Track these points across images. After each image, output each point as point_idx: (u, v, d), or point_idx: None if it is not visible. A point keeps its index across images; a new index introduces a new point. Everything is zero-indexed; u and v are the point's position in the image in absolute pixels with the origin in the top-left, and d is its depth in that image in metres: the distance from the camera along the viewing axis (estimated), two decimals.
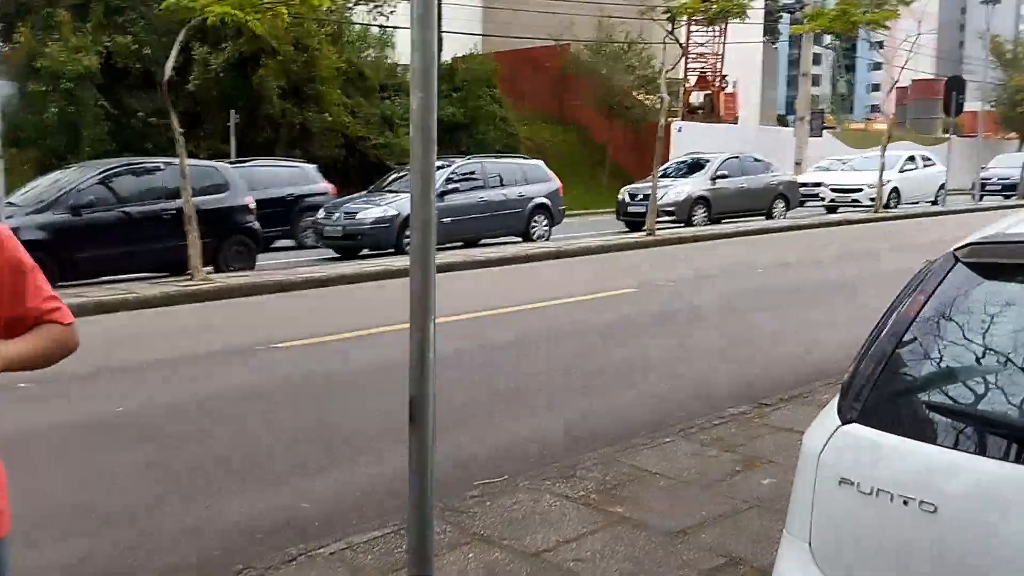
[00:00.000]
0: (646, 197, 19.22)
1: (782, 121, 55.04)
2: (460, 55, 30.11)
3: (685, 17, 19.74)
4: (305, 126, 24.62)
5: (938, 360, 2.11)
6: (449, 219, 15.67)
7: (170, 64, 12.39)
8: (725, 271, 13.33)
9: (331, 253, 16.46)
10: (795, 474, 2.27)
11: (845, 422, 2.13)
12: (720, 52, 38.00)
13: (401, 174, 18.48)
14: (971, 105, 35.81)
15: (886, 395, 2.12)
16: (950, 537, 1.89)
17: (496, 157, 19.70)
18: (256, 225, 14.06)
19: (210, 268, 12.66)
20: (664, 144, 20.01)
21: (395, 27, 31.74)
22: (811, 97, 35.79)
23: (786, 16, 59.21)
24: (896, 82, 26.59)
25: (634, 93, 33.00)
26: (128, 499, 4.87)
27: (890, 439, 2.04)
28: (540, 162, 19.11)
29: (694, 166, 22.21)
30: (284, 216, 17.29)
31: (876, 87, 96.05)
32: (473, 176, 17.19)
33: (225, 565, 4.00)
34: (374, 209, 16.10)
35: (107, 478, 5.19)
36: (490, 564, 3.78)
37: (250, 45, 21.38)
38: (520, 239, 17.49)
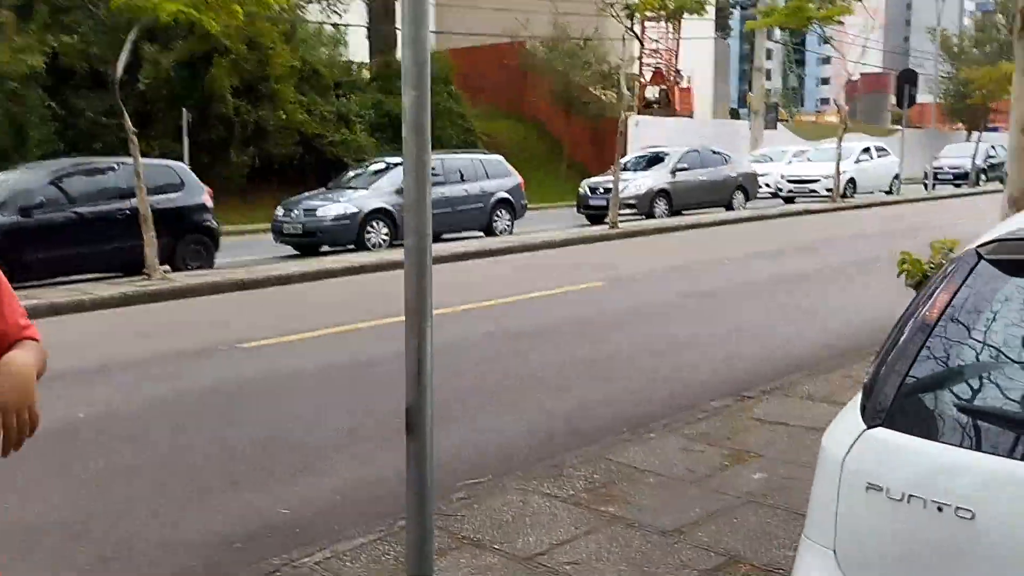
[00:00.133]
0: (607, 190, 19.21)
1: (735, 114, 55.49)
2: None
3: (641, 13, 19.71)
4: (260, 124, 24.21)
5: (968, 361, 2.02)
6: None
7: (121, 63, 12.05)
8: (692, 263, 13.31)
9: (289, 251, 16.17)
10: (816, 478, 2.17)
11: (871, 426, 2.03)
12: (674, 47, 38.15)
13: (359, 171, 18.25)
14: (920, 97, 36.36)
15: (914, 397, 2.02)
16: (989, 545, 1.80)
17: (457, 153, 19.56)
18: (214, 223, 13.76)
19: (167, 267, 12.36)
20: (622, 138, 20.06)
21: (347, 24, 31.40)
22: (764, 91, 36.08)
23: (736, 11, 59.84)
24: (851, 76, 26.84)
25: (591, 89, 32.99)
26: (95, 509, 4.65)
27: (920, 443, 1.94)
28: (500, 157, 18.99)
29: (653, 160, 22.24)
30: None
31: (826, 81, 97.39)
32: (434, 172, 16.94)
33: None
34: (334, 206, 15.85)
35: (72, 488, 4.95)
36: (484, 570, 3.64)
37: (202, 44, 20.94)
38: (483, 234, 17.35)
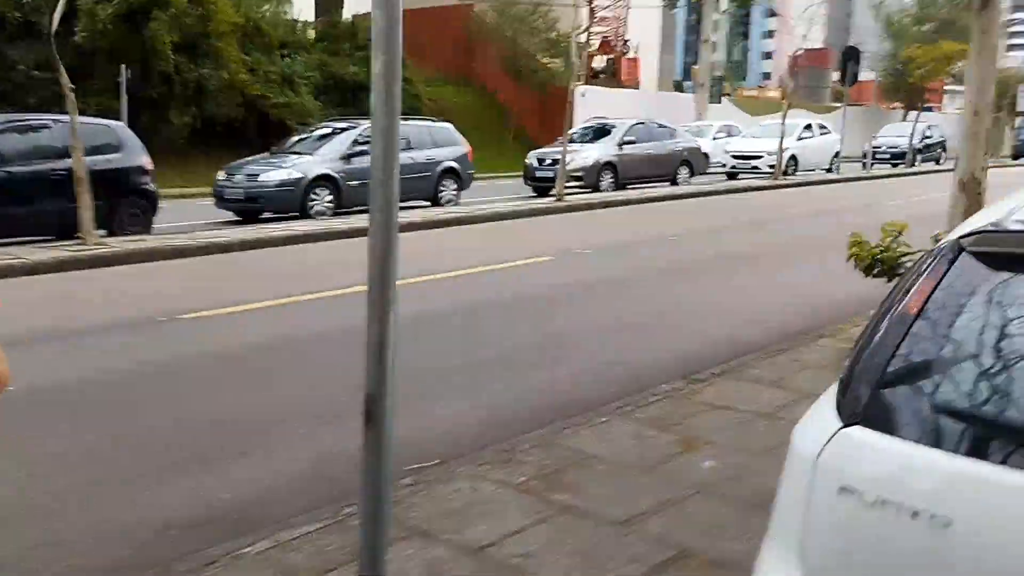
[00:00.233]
0: (554, 162, 19.12)
1: (679, 87, 55.67)
2: (363, 13, 29.24)
3: None
4: (201, 83, 23.54)
5: (949, 358, 1.95)
6: (356, 182, 15.24)
7: (57, 14, 11.55)
8: (640, 238, 13.33)
9: (230, 216, 15.80)
10: (783, 477, 2.11)
11: (847, 424, 1.96)
12: (623, 16, 38.05)
13: (304, 135, 17.87)
14: (862, 75, 36.82)
15: (893, 395, 1.96)
16: (965, 553, 1.75)
17: (404, 119, 19.18)
18: (153, 187, 13.36)
19: (103, 232, 11.97)
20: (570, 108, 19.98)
21: None
22: (711, 64, 36.16)
23: None
24: (802, 50, 27.04)
25: (539, 56, 32.75)
26: (23, 492, 4.45)
27: (898, 444, 1.88)
28: (449, 125, 18.74)
29: (600, 131, 22.17)
30: None
31: (769, 55, 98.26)
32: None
33: (137, 568, 3.68)
34: (277, 171, 15.51)
35: None
36: (432, 562, 3.55)
37: None
38: (429, 203, 17.15)
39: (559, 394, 5.94)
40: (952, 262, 2.04)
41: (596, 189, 20.47)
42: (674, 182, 22.51)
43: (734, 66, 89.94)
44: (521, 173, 21.55)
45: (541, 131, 29.28)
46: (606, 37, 38.60)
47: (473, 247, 12.65)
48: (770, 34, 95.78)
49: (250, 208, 15.42)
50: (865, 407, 1.96)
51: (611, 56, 38.66)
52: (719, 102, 37.90)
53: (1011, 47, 62.50)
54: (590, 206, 17.77)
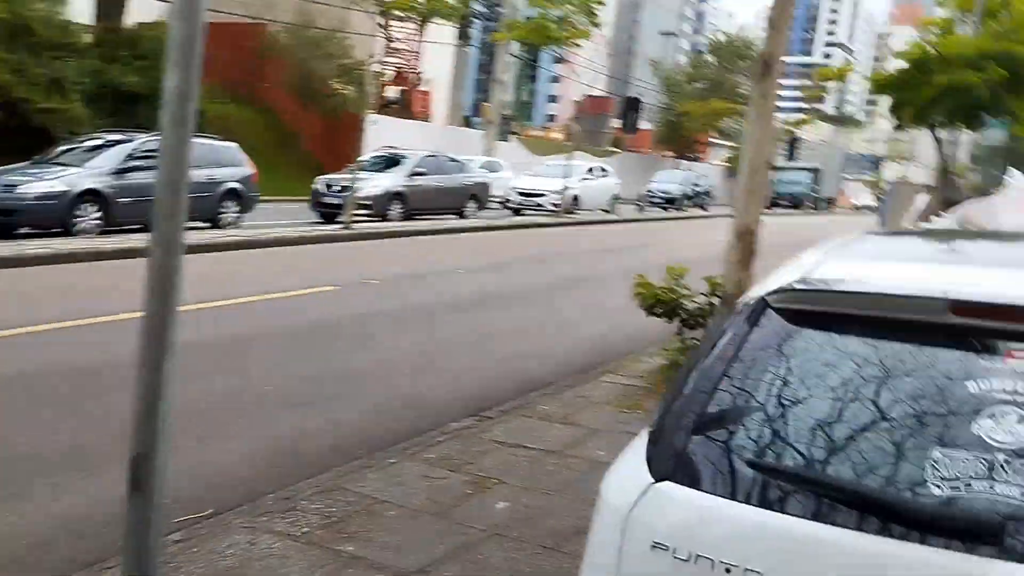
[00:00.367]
0: (343, 188, 18.75)
1: (467, 123, 56.59)
2: (148, 21, 27.61)
3: (393, 12, 19.48)
4: None
5: (756, 414, 1.94)
6: (129, 200, 14.24)
7: None
8: (427, 271, 13.21)
9: None
10: (593, 531, 2.04)
11: (659, 479, 1.93)
12: (417, 49, 38.25)
13: (72, 145, 16.50)
14: (640, 124, 38.87)
15: (703, 451, 1.94)
16: None
17: None
18: None
19: None
20: (363, 136, 19.73)
21: None
22: (501, 103, 36.95)
23: (479, 22, 61.05)
24: (586, 96, 28.14)
25: (331, 82, 32.21)
26: None
27: (710, 500, 1.86)
28: (234, 145, 17.90)
29: (391, 161, 22.00)
30: None
31: (554, 98, 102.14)
32: (157, 154, 15.67)
33: None
34: (39, 183, 14.17)
35: None
36: None
37: None
38: (208, 225, 16.27)
39: (344, 435, 5.67)
40: (758, 318, 2.05)
41: (384, 218, 20.24)
42: (462, 215, 22.69)
43: (521, 106, 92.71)
44: (308, 198, 20.96)
45: (329, 157, 28.71)
46: (400, 68, 38.58)
47: (254, 273, 12.06)
48: (556, 79, 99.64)
49: (4, 222, 14.00)
50: (676, 462, 1.93)
51: (404, 87, 38.66)
52: (507, 140, 38.80)
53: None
54: (378, 235, 17.52)
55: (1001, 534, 1.62)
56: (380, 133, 28.86)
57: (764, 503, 1.80)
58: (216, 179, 16.48)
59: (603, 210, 29.33)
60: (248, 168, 17.52)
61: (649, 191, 35.94)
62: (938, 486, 1.68)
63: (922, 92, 22.87)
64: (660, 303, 7.16)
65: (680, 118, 43.46)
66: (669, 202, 35.78)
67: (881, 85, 27.35)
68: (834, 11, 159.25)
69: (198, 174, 15.71)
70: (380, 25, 18.47)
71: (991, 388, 1.76)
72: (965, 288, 1.94)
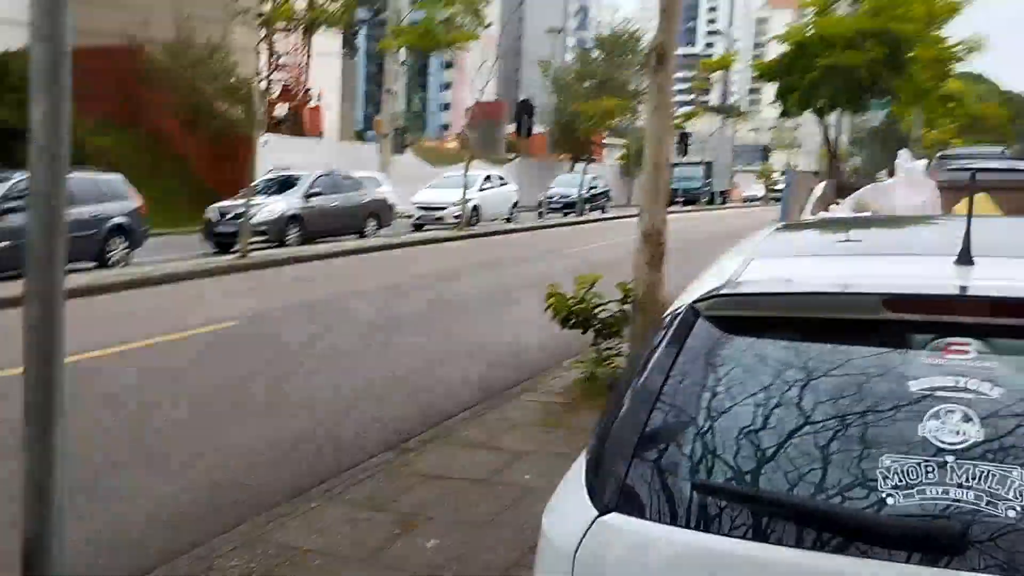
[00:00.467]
0: (237, 216, 18.18)
1: (360, 137, 55.93)
2: (13, 50, 26.31)
3: (276, 24, 18.97)
4: None
5: (700, 432, 1.82)
6: (7, 243, 13.48)
7: None
8: (331, 296, 12.89)
9: None
10: (537, 569, 1.90)
11: (603, 511, 1.79)
12: (304, 64, 37.56)
13: None
14: (534, 128, 38.99)
15: (648, 476, 1.80)
16: None
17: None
18: None
19: None
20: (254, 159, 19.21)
21: None
22: (393, 114, 36.58)
23: (363, 30, 60.49)
24: (475, 102, 28.03)
25: (217, 103, 31.29)
26: None
27: (659, 530, 1.73)
28: (119, 176, 17.16)
29: (285, 183, 21.49)
30: None
31: (447, 107, 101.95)
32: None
33: None
34: None
35: None
36: None
37: None
38: (95, 265, 15.55)
39: (257, 479, 5.40)
40: (689, 328, 1.94)
41: (283, 244, 19.73)
42: (362, 234, 22.32)
43: (414, 117, 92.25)
44: (201, 228, 20.27)
45: (221, 182, 27.87)
46: (287, 85, 37.80)
47: (146, 314, 11.52)
48: (447, 86, 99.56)
49: None
50: (620, 492, 1.80)
51: (293, 104, 37.89)
52: (403, 152, 38.42)
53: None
54: (277, 262, 17.05)
55: (960, 543, 1.55)
56: (272, 153, 28.26)
57: (719, 529, 1.69)
58: (100, 215, 15.78)
59: (505, 219, 29.25)
60: (135, 200, 16.83)
61: (548, 197, 36.05)
62: (891, 495, 1.60)
63: (806, 76, 23.46)
64: (573, 314, 7.09)
65: (573, 119, 43.80)
66: (569, 207, 35.88)
67: (765, 72, 27.99)
68: None
69: (80, 211, 15.02)
70: (264, 39, 17.90)
71: (933, 386, 1.69)
72: (895, 281, 1.89)
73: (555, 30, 60.22)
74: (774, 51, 30.61)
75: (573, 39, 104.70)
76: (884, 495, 1.60)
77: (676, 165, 45.63)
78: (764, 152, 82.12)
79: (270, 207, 19.82)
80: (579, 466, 1.98)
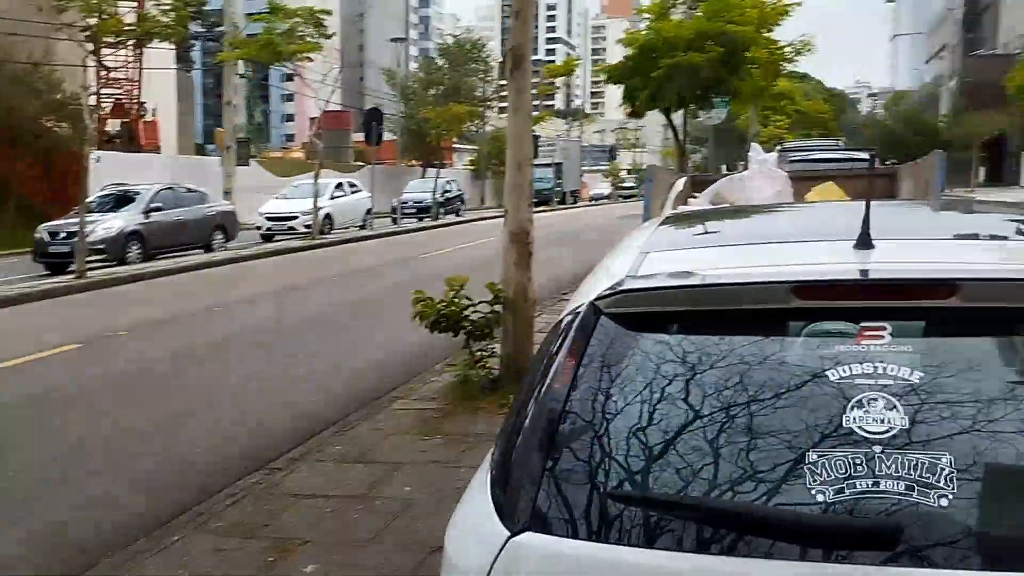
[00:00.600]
0: (71, 235, 17.05)
1: (201, 150, 54.00)
2: None
3: (104, 38, 17.92)
4: None
5: (612, 438, 1.66)
6: None
7: None
8: (178, 315, 12.18)
9: None
10: None
11: (516, 531, 1.61)
12: (136, 78, 35.84)
13: None
14: (384, 135, 38.58)
15: (560, 490, 1.64)
16: None
17: None
18: None
19: None
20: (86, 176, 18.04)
21: None
22: (235, 126, 35.37)
23: (199, 43, 58.52)
24: (323, 112, 27.43)
25: (41, 120, 29.41)
26: None
27: (579, 547, 1.57)
28: None
29: (123, 199, 20.32)
30: None
31: (290, 117, 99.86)
32: None
33: None
34: None
35: None
36: None
37: None
38: None
39: (110, 515, 4.94)
40: (592, 329, 1.78)
41: (123, 262, 18.63)
42: (209, 248, 21.39)
43: (256, 128, 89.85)
44: (31, 250, 18.91)
45: (51, 202, 26.19)
46: (119, 99, 35.89)
47: None
48: (290, 97, 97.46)
49: None
50: (532, 508, 1.62)
51: (126, 119, 36.02)
52: (247, 164, 37.22)
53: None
54: (117, 281, 16.06)
55: (895, 535, 1.45)
56: (106, 170, 26.80)
57: (643, 541, 1.54)
58: None
59: (358, 226, 28.76)
60: None
61: (403, 202, 35.70)
62: (822, 492, 1.49)
63: (652, 77, 24.15)
64: (443, 317, 6.87)
65: (422, 125, 43.54)
66: (423, 211, 35.71)
67: (612, 74, 28.62)
68: (551, 7, 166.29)
69: None
70: (91, 53, 16.88)
71: (852, 374, 1.59)
72: (801, 268, 1.78)
73: (398, 39, 59.92)
74: (616, 55, 31.38)
75: (415, 48, 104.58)
76: (813, 491, 1.49)
77: None
78: (611, 152, 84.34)
79: (107, 224, 18.70)
80: (481, 481, 1.81)
